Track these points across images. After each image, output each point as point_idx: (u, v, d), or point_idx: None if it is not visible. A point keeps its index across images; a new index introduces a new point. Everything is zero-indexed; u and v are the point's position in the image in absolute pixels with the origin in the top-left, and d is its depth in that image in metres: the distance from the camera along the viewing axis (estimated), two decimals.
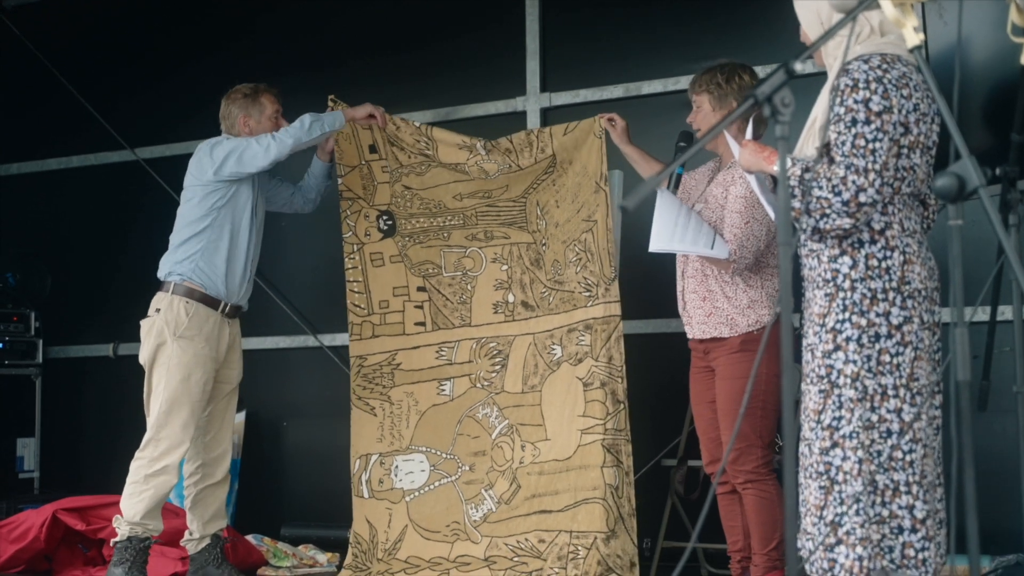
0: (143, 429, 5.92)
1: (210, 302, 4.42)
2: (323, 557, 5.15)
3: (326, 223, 5.97)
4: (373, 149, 4.70)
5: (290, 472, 5.94)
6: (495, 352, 4.47)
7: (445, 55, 5.74)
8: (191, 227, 4.49)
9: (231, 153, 4.42)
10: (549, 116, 5.47)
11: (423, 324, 4.64)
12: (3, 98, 6.69)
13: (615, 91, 5.33)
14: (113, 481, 5.59)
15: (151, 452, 4.36)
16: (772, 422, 3.90)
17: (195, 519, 4.49)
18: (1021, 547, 4.08)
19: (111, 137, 6.23)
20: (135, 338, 6.20)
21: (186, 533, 4.55)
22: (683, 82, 5.10)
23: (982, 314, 3.83)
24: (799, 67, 2.13)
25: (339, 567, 5.06)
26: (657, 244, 3.67)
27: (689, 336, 3.91)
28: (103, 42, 6.46)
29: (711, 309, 3.84)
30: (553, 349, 4.29)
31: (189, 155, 6.14)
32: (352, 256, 4.79)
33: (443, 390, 4.57)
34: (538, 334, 4.37)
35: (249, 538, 5.09)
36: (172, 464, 4.35)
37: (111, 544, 4.36)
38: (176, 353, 4.37)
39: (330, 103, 4.74)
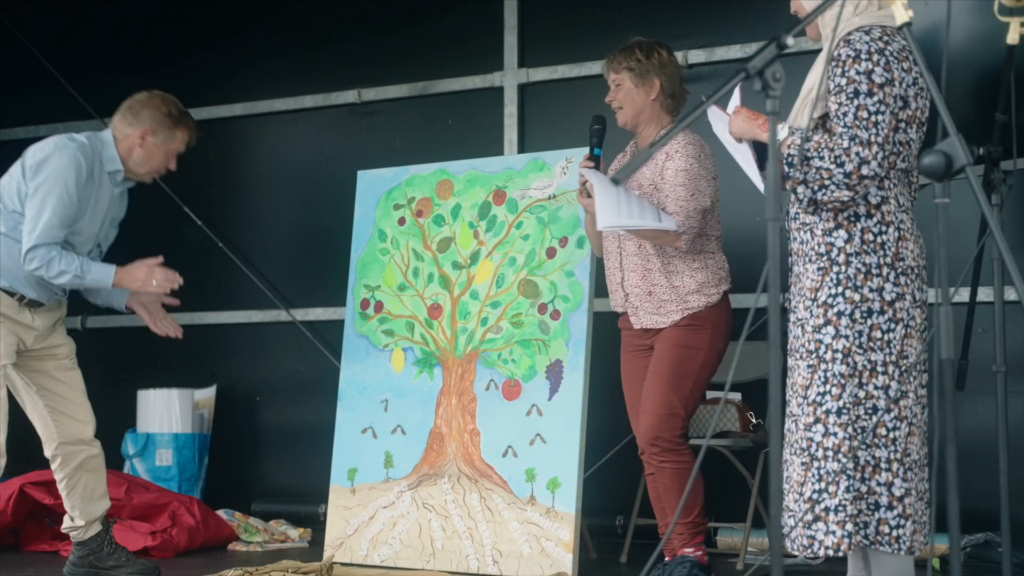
0: (113, 403, 5.91)
1: (4, 290, 3.94)
2: (295, 532, 5.13)
3: (298, 197, 5.94)
4: None
5: (262, 447, 5.91)
6: None
7: (421, 29, 5.69)
8: None
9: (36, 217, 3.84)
10: (527, 92, 5.44)
11: None
12: None
13: (593, 68, 5.30)
14: None
15: None
16: (697, 398, 3.91)
17: (75, 506, 4.07)
18: (993, 526, 4.11)
19: (80, 106, 6.13)
20: (104, 310, 6.16)
21: (66, 520, 4.13)
22: None
23: (961, 295, 3.85)
24: (790, 41, 2.11)
25: (310, 542, 5.04)
26: (606, 221, 3.58)
27: (636, 326, 3.90)
28: (72, 9, 6.36)
29: (659, 303, 3.86)
30: None
31: None
32: None
33: None
34: None
35: (220, 513, 5.05)
36: None
37: None
38: None
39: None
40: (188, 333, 6.03)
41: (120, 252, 6.20)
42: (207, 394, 5.87)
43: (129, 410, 5.76)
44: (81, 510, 4.08)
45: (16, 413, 6.14)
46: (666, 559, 3.92)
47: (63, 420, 4.08)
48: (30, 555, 4.75)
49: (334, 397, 4.69)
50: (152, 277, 3.94)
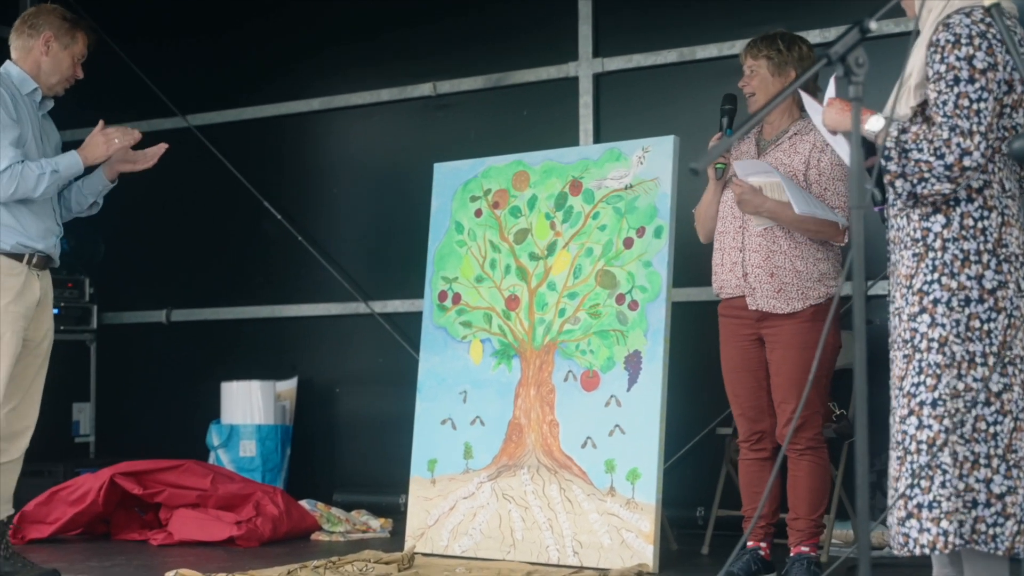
0: (197, 394, 6.02)
1: (11, 255, 3.89)
2: (376, 523, 5.17)
3: (375, 190, 5.98)
4: None
5: (343, 438, 5.97)
6: None
7: (496, 21, 5.70)
8: None
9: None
10: (602, 82, 5.42)
11: None
12: None
13: (669, 56, 5.27)
14: (166, 446, 5.66)
15: None
16: (829, 390, 3.94)
17: None
18: None
19: (163, 104, 6.24)
20: (188, 304, 6.30)
21: None
22: (738, 46, 5.01)
23: None
24: (873, 26, 2.07)
25: (392, 533, 5.09)
26: (801, 208, 3.68)
27: (751, 307, 3.88)
28: (155, 10, 6.47)
29: (779, 285, 3.84)
30: None
31: (240, 122, 6.23)
32: None
33: None
34: None
35: (303, 503, 5.11)
36: None
37: None
38: None
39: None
40: (268, 326, 6.17)
41: (200, 244, 6.33)
42: (289, 386, 5.94)
43: (213, 402, 5.85)
44: None
45: (105, 408, 6.30)
46: (748, 544, 3.92)
47: (12, 416, 3.96)
48: (120, 544, 4.85)
49: (412, 388, 4.72)
50: (112, 138, 4.00)
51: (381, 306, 5.82)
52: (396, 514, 5.31)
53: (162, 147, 4.15)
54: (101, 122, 4.05)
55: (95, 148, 3.99)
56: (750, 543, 3.94)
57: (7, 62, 4.07)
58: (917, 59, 2.84)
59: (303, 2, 6.12)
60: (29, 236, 3.93)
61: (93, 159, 4.00)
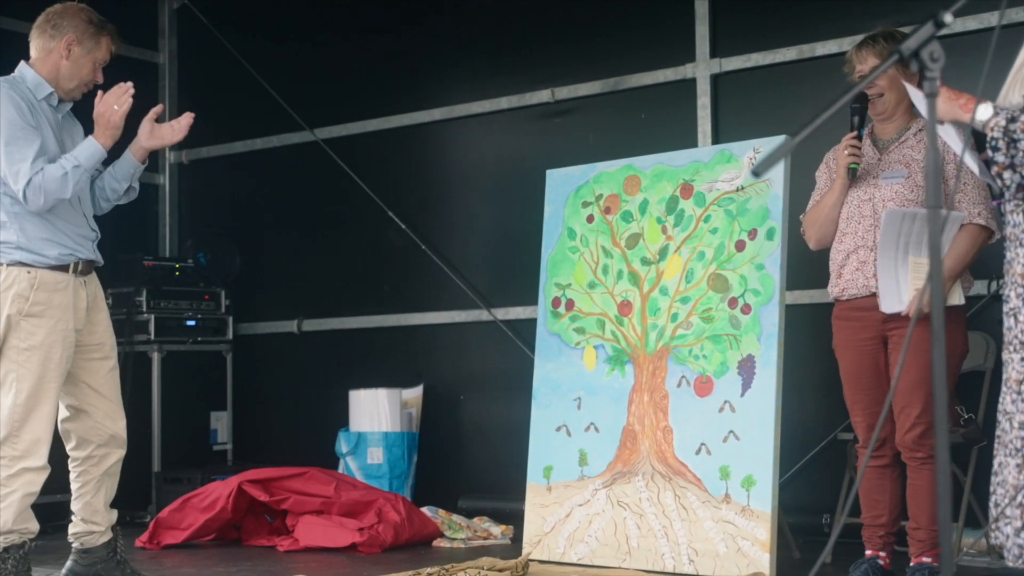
0: (327, 402, 6.17)
1: (55, 267, 3.75)
2: (497, 529, 5.20)
3: (495, 198, 6.02)
4: None
5: (468, 445, 6.02)
6: None
7: (612, 24, 5.67)
8: None
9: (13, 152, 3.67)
10: (720, 82, 5.34)
11: None
12: (192, 85, 6.98)
13: (788, 54, 5.16)
14: (298, 452, 5.81)
15: (9, 451, 3.66)
16: (954, 396, 3.80)
17: (99, 510, 3.90)
18: None
19: (292, 119, 6.41)
20: (318, 314, 6.45)
21: (80, 524, 3.92)
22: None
23: None
24: (949, 19, 1.98)
25: (512, 539, 5.10)
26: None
27: (883, 308, 3.70)
28: (282, 28, 6.65)
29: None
30: None
31: (365, 135, 6.36)
32: None
33: None
34: None
35: (424, 510, 5.18)
36: (36, 463, 3.70)
37: None
38: (26, 334, 3.69)
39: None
40: (394, 334, 6.27)
41: (329, 255, 6.46)
42: (415, 393, 6.02)
43: (342, 409, 5.97)
44: (104, 515, 3.94)
45: (241, 416, 6.49)
46: (867, 552, 3.81)
47: (103, 420, 3.91)
48: (249, 549, 4.98)
49: None
50: (110, 105, 3.74)
51: (503, 313, 5.85)
52: (519, 520, 5.31)
53: (189, 116, 3.94)
54: (100, 92, 3.82)
55: (104, 126, 3.76)
56: (869, 552, 3.82)
57: (22, 64, 3.86)
58: None
59: (424, 15, 6.21)
60: (67, 245, 3.78)
61: (110, 138, 3.78)
